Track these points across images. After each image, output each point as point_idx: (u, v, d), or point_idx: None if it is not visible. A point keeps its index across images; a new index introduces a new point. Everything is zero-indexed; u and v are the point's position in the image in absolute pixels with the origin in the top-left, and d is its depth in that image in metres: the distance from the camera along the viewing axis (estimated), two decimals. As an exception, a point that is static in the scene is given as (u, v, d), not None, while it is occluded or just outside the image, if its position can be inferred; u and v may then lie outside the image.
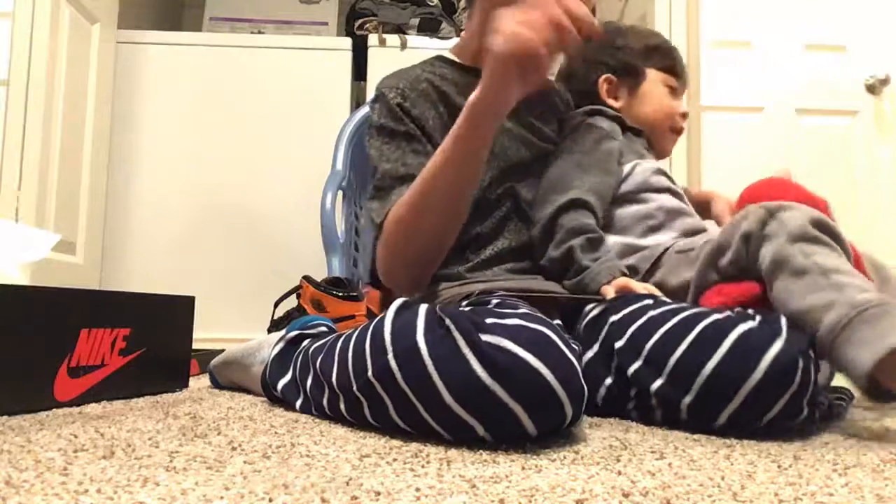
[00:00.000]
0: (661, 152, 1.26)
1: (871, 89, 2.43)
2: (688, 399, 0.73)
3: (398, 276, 1.00)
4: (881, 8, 2.45)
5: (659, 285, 0.98)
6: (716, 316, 0.75)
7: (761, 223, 0.84)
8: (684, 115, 1.26)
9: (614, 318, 0.85)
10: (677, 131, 1.26)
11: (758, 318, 0.74)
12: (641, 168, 1.15)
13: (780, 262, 0.80)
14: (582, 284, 0.98)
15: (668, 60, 1.26)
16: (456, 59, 1.11)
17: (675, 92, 1.26)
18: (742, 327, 0.72)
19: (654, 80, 1.25)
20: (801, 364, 0.70)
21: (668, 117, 1.24)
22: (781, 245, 0.81)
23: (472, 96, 0.86)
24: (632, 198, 1.13)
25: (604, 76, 1.26)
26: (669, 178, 1.19)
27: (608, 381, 0.83)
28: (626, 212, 1.12)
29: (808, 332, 0.74)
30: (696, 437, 0.71)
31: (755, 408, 0.70)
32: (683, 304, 0.83)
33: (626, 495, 0.47)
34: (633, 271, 1.02)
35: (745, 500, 0.47)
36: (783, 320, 0.74)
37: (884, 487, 0.51)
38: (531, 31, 0.78)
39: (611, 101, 1.24)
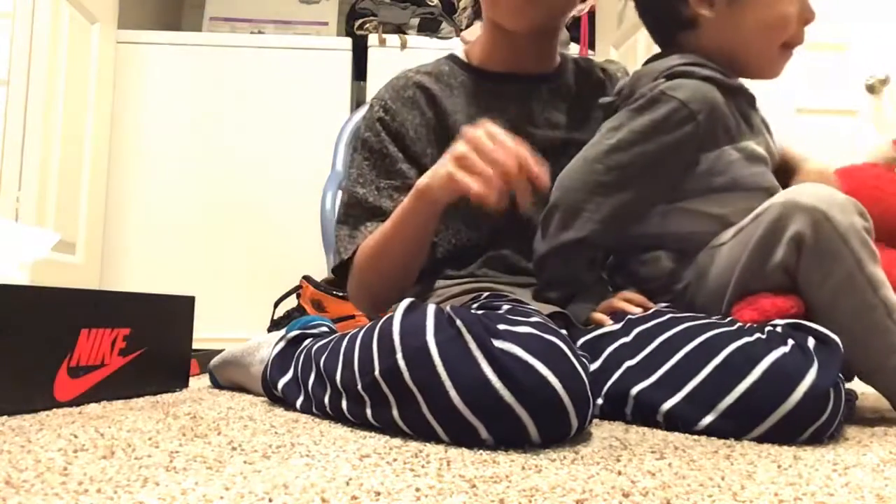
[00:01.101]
0: (764, 76, 0.97)
1: (871, 89, 2.43)
2: (706, 421, 0.71)
3: (364, 303, 1.06)
4: (881, 8, 2.45)
5: (694, 287, 0.89)
6: (745, 339, 0.72)
7: (815, 227, 0.77)
8: (808, 20, 0.92)
9: (625, 339, 0.82)
10: (792, 45, 0.94)
11: (790, 341, 0.71)
12: (728, 160, 0.89)
13: (847, 292, 0.77)
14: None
15: None
16: (464, 58, 1.10)
17: None
18: (774, 354, 0.69)
19: None
20: (832, 396, 0.69)
21: (780, 29, 0.92)
22: (851, 272, 0.77)
23: (421, 180, 0.88)
24: (696, 209, 0.91)
25: None
26: (765, 154, 0.92)
27: (597, 402, 0.81)
28: (691, 228, 0.91)
29: (841, 355, 0.72)
30: (696, 437, 0.71)
31: (778, 437, 0.69)
32: (701, 322, 0.79)
33: (626, 495, 0.47)
34: (674, 276, 0.92)
35: (745, 500, 0.46)
36: (811, 342, 0.71)
37: (884, 487, 0.51)
38: (473, 169, 0.78)
39: (702, 11, 0.92)
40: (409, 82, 1.04)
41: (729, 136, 0.90)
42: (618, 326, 0.85)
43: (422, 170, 0.98)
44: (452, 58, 1.10)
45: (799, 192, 0.81)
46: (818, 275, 0.79)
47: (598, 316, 0.90)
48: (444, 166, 0.82)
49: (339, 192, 1.92)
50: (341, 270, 1.04)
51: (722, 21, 0.92)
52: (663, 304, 0.90)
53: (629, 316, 0.86)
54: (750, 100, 0.96)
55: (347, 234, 1.02)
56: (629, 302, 0.90)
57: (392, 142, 1.01)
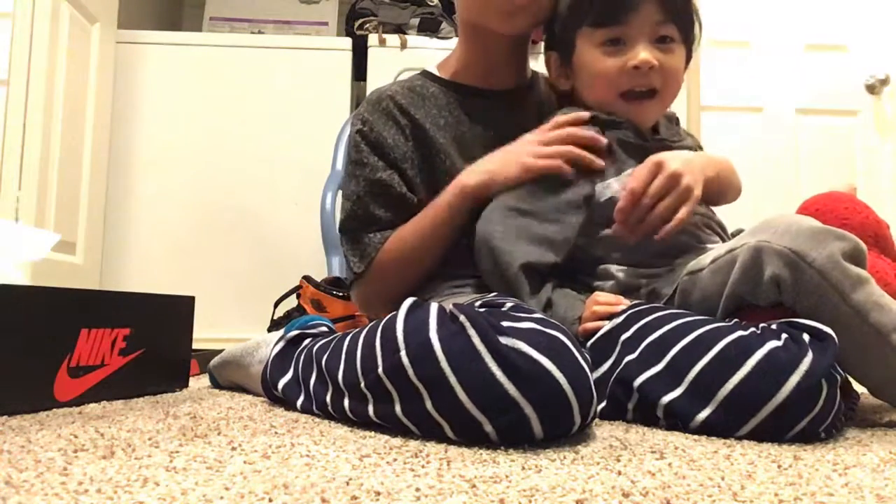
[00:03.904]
0: (638, 123, 1.01)
1: (871, 89, 2.43)
2: (703, 415, 0.71)
3: (384, 305, 1.06)
4: (881, 8, 2.46)
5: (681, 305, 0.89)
6: (739, 333, 0.73)
7: (791, 268, 0.77)
8: (636, 68, 0.95)
9: (625, 335, 0.82)
10: (630, 95, 0.98)
11: (783, 336, 0.72)
12: (602, 185, 0.97)
13: (835, 325, 0.76)
14: None
15: (597, 8, 0.97)
16: (436, 72, 1.12)
17: (617, 43, 0.97)
18: (768, 346, 0.70)
19: (584, 46, 0.99)
20: (825, 387, 0.69)
21: (601, 86, 0.99)
22: (835, 306, 0.76)
23: (464, 181, 0.99)
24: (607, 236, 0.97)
25: (548, 53, 1.05)
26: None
27: (601, 406, 0.81)
28: (614, 253, 0.97)
29: (836, 349, 0.72)
30: (696, 437, 0.71)
31: (773, 429, 0.69)
32: (699, 318, 0.80)
33: (626, 495, 0.47)
34: (654, 296, 0.92)
35: (745, 500, 0.47)
36: (807, 337, 0.72)
37: (884, 487, 0.51)
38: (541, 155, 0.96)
39: (560, 84, 1.05)
40: (384, 95, 1.08)
41: (617, 167, 0.97)
42: (619, 321, 0.85)
43: (403, 175, 1.03)
44: (424, 73, 1.13)
45: (770, 231, 0.81)
46: (804, 309, 0.79)
47: (592, 325, 0.87)
48: (511, 163, 0.96)
49: (340, 193, 1.92)
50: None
51: (577, 87, 1.03)
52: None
53: (631, 310, 0.86)
54: (630, 131, 1.00)
55: (351, 252, 1.05)
56: (605, 304, 0.89)
57: (371, 152, 1.05)
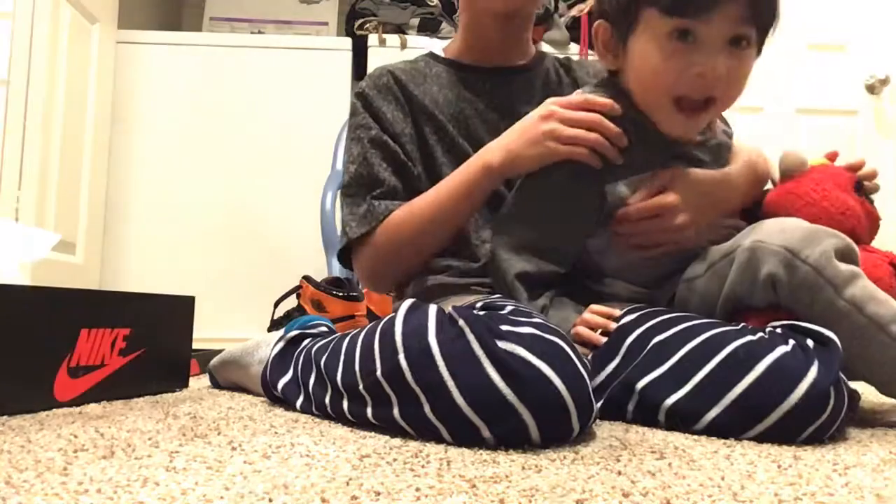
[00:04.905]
0: (665, 131, 0.90)
1: (871, 89, 2.43)
2: (711, 415, 0.71)
3: (385, 279, 1.09)
4: (881, 8, 2.46)
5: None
6: (748, 337, 0.73)
7: (786, 266, 0.78)
8: (702, 74, 0.83)
9: (631, 338, 0.81)
10: (684, 102, 0.86)
11: (791, 341, 0.72)
12: (610, 188, 0.91)
13: (833, 319, 0.76)
14: None
15: None
16: (442, 54, 1.14)
17: (685, 38, 0.83)
18: (778, 351, 0.70)
19: (646, 31, 0.85)
20: (833, 395, 0.69)
21: (656, 84, 0.86)
22: (831, 300, 0.77)
23: (487, 158, 0.95)
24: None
25: (597, 22, 0.92)
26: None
27: (598, 404, 0.81)
28: (627, 262, 0.94)
29: (840, 355, 0.72)
30: (696, 437, 0.71)
31: (779, 435, 0.69)
32: (706, 321, 0.80)
33: (626, 495, 0.47)
34: (653, 304, 0.91)
35: (745, 500, 0.47)
36: (810, 343, 0.72)
37: (884, 487, 0.51)
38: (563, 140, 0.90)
39: (606, 61, 0.92)
40: (385, 70, 1.10)
41: (647, 160, 0.91)
42: (626, 321, 0.84)
43: (403, 148, 1.04)
44: (430, 54, 1.15)
45: (765, 233, 0.81)
46: (800, 308, 0.79)
47: (584, 331, 0.86)
48: (534, 143, 0.91)
49: (340, 193, 1.92)
50: (347, 251, 1.07)
51: (625, 71, 0.91)
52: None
53: (638, 312, 0.86)
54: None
55: (349, 214, 1.04)
56: (593, 323, 0.87)
57: (374, 121, 1.06)
